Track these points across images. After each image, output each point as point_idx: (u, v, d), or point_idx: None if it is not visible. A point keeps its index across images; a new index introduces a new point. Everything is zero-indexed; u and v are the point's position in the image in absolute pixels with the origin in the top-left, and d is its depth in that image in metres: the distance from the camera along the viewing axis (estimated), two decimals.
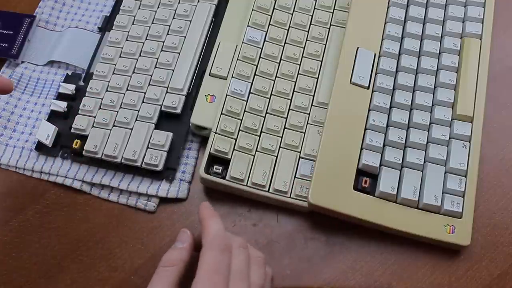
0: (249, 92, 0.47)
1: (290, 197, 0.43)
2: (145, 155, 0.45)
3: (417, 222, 0.42)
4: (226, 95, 0.46)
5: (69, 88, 0.48)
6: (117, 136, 0.46)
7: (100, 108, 0.47)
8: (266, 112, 0.46)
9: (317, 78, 0.48)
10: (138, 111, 0.47)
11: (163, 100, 0.47)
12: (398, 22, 0.49)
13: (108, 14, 0.53)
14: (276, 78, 0.48)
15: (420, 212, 0.42)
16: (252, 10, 0.50)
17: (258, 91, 0.47)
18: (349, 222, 0.43)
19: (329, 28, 0.50)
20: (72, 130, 0.46)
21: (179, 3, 0.52)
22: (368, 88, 0.46)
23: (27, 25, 0.53)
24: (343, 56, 0.47)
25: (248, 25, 0.49)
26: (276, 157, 0.45)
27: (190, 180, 0.46)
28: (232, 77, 0.47)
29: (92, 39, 0.52)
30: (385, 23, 0.49)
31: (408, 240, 0.43)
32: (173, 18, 0.51)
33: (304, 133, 0.46)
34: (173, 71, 0.48)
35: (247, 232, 0.44)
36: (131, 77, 0.48)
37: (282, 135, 0.45)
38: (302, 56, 0.49)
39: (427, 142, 0.44)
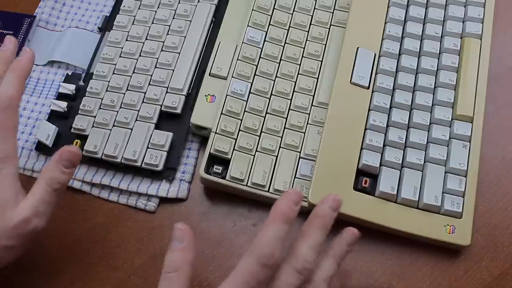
0: (249, 92, 0.47)
1: None
2: (145, 155, 0.45)
3: (417, 222, 0.42)
4: (226, 95, 0.46)
5: (69, 88, 0.48)
6: (117, 136, 0.46)
7: (100, 108, 0.47)
8: (266, 112, 0.46)
9: (317, 78, 0.48)
10: (138, 111, 0.47)
11: (163, 100, 0.47)
12: (398, 22, 0.49)
13: (108, 14, 0.53)
14: (276, 78, 0.48)
15: (420, 212, 0.42)
16: (252, 10, 0.50)
17: (258, 91, 0.47)
18: (349, 222, 0.43)
19: (329, 28, 0.50)
20: (72, 130, 0.46)
21: (179, 3, 0.52)
22: (368, 88, 0.46)
23: (27, 25, 0.53)
24: (343, 56, 0.47)
25: (248, 25, 0.49)
26: (276, 157, 0.45)
27: (190, 180, 0.46)
28: (232, 77, 0.47)
29: (92, 39, 0.52)
30: (385, 23, 0.49)
31: (408, 240, 0.43)
32: (173, 18, 0.51)
33: (304, 133, 0.46)
34: (173, 71, 0.48)
35: (247, 232, 0.44)
36: (131, 77, 0.48)
37: (282, 135, 0.45)
38: (302, 56, 0.49)
39: (427, 142, 0.44)
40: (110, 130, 0.46)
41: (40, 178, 0.37)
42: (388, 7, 0.50)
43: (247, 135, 0.45)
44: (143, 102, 0.47)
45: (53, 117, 0.48)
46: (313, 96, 0.47)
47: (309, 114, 0.46)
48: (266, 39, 0.49)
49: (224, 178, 0.44)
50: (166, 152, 0.45)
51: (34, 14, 0.54)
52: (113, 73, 0.49)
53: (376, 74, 0.47)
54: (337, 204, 0.34)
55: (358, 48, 0.47)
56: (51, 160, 0.37)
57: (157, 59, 0.49)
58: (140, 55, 0.50)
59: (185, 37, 0.50)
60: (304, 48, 0.49)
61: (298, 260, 0.32)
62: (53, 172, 0.37)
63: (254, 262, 0.31)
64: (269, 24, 0.50)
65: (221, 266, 0.43)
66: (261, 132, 0.46)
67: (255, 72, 0.48)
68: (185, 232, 0.33)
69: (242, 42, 0.48)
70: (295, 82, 0.48)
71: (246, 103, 0.46)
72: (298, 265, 0.32)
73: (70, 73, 0.51)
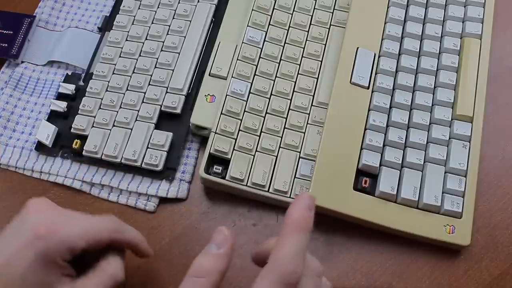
0: (249, 92, 0.47)
1: (290, 197, 0.43)
2: (145, 155, 0.45)
3: (417, 222, 0.42)
4: (226, 95, 0.46)
5: (69, 88, 0.48)
6: (117, 136, 0.46)
7: (100, 108, 0.47)
8: (266, 112, 0.46)
9: (317, 78, 0.48)
10: (138, 111, 0.47)
11: (163, 100, 0.47)
12: (398, 22, 0.49)
13: (108, 14, 0.53)
14: (276, 78, 0.48)
15: (420, 212, 0.42)
16: (252, 10, 0.50)
17: (258, 91, 0.47)
18: (349, 222, 0.43)
19: (329, 28, 0.50)
20: (72, 130, 0.46)
21: (179, 3, 0.52)
22: (368, 88, 0.46)
23: (27, 25, 0.53)
24: (343, 56, 0.47)
25: (248, 25, 0.49)
26: (276, 157, 0.45)
27: (190, 180, 0.46)
28: (232, 77, 0.47)
29: (92, 39, 0.52)
30: (385, 23, 0.49)
31: (408, 240, 0.43)
32: (173, 18, 0.51)
33: (304, 133, 0.46)
34: (173, 71, 0.48)
35: (247, 232, 0.44)
36: (131, 77, 0.48)
37: (282, 135, 0.45)
38: (302, 56, 0.49)
39: (427, 142, 0.44)
40: (110, 130, 0.46)
41: (99, 272, 0.34)
42: (388, 7, 0.50)
43: (247, 135, 0.45)
44: (143, 102, 0.47)
45: (53, 117, 0.48)
46: (313, 96, 0.47)
47: (309, 114, 0.46)
48: (266, 39, 0.49)
49: (224, 178, 0.44)
50: (166, 152, 0.45)
51: (34, 14, 0.54)
52: (113, 73, 0.49)
53: (376, 74, 0.47)
54: (312, 201, 0.30)
55: (358, 48, 0.47)
56: (110, 256, 0.35)
57: (157, 59, 0.49)
58: (140, 55, 0.50)
59: (185, 37, 0.50)
60: (304, 48, 0.49)
61: (286, 273, 0.27)
62: (117, 266, 0.35)
63: (275, 284, 0.27)
64: (269, 24, 0.50)
65: None
66: (261, 132, 0.46)
67: (255, 72, 0.48)
68: (228, 238, 0.30)
69: (242, 42, 0.48)
70: (295, 82, 0.48)
71: (246, 103, 0.46)
72: (286, 278, 0.27)
73: (70, 73, 0.51)
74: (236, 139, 0.45)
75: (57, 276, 0.33)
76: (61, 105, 0.48)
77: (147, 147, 0.45)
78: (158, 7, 0.52)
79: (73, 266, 0.35)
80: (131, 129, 0.46)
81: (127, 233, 0.37)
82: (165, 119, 0.47)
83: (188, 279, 0.29)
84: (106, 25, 0.52)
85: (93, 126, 0.46)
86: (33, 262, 0.32)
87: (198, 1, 0.52)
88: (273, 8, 0.50)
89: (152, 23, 0.51)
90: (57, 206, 0.36)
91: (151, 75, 0.48)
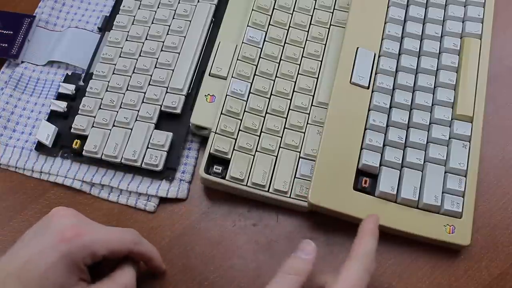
0: (249, 92, 0.47)
1: (290, 197, 0.43)
2: (145, 155, 0.45)
3: (417, 222, 0.42)
4: (226, 95, 0.46)
5: (69, 88, 0.48)
6: (117, 136, 0.46)
7: (100, 108, 0.47)
8: (266, 112, 0.46)
9: (317, 78, 0.48)
10: (138, 111, 0.47)
11: (163, 100, 0.47)
12: (398, 22, 0.49)
13: (108, 14, 0.53)
14: (276, 78, 0.48)
15: (420, 212, 0.42)
16: (252, 10, 0.50)
17: (258, 91, 0.47)
18: (349, 222, 0.43)
19: (329, 28, 0.50)
20: (72, 130, 0.46)
21: (179, 3, 0.52)
22: (368, 88, 0.46)
23: (27, 25, 0.53)
24: (343, 56, 0.47)
25: (248, 25, 0.49)
26: (276, 157, 0.45)
27: (190, 180, 0.46)
28: (232, 77, 0.47)
29: (92, 39, 0.52)
30: (385, 23, 0.49)
31: (408, 240, 0.43)
32: (173, 18, 0.51)
33: (304, 133, 0.46)
34: (173, 71, 0.48)
35: (247, 232, 0.44)
36: (131, 77, 0.48)
37: (282, 135, 0.45)
38: (302, 56, 0.49)
39: (427, 142, 0.44)
40: (110, 130, 0.46)
41: (113, 280, 0.37)
42: (388, 7, 0.50)
43: (247, 135, 0.45)
44: (143, 102, 0.47)
45: (53, 117, 0.48)
46: (313, 96, 0.47)
47: (309, 114, 0.46)
48: (266, 39, 0.49)
49: (224, 178, 0.44)
50: (166, 152, 0.45)
51: (34, 14, 0.54)
52: (113, 73, 0.49)
53: (376, 74, 0.47)
54: (377, 219, 0.38)
55: (358, 48, 0.47)
56: None
57: (157, 59, 0.49)
58: (140, 55, 0.50)
59: (185, 37, 0.50)
60: (304, 48, 0.49)
61: (368, 263, 0.35)
62: (131, 277, 0.38)
63: (361, 269, 0.34)
64: (269, 24, 0.50)
65: (221, 266, 0.43)
66: (261, 132, 0.46)
67: (255, 72, 0.48)
68: (313, 249, 0.37)
69: (242, 42, 0.48)
70: (295, 82, 0.48)
71: (246, 103, 0.46)
72: (369, 269, 0.35)
73: (70, 73, 0.51)
74: (236, 139, 0.45)
75: (75, 280, 0.35)
76: (61, 105, 0.48)
77: (147, 147, 0.45)
78: (158, 7, 0.52)
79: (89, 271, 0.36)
80: (131, 129, 0.46)
81: (145, 246, 0.39)
82: (165, 119, 0.47)
83: (280, 275, 0.35)
84: (106, 25, 0.52)
85: (93, 126, 0.46)
86: (56, 263, 0.33)
87: (198, 1, 0.52)
88: (273, 8, 0.50)
89: (152, 23, 0.51)
90: (81, 214, 0.37)
91: (151, 75, 0.48)
